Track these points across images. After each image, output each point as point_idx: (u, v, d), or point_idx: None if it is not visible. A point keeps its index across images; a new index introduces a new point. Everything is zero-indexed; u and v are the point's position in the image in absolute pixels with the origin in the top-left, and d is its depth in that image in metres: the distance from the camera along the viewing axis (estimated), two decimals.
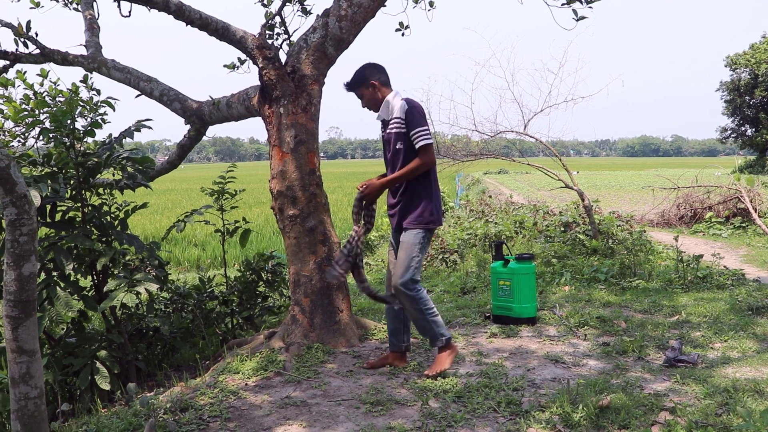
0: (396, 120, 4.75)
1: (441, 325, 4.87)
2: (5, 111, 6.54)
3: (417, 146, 4.69)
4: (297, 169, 5.54)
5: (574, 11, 6.13)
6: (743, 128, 48.70)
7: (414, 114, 4.70)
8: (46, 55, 7.22)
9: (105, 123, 5.51)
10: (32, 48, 7.20)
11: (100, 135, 5.67)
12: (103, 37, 7.64)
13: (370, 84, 4.86)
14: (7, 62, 7.20)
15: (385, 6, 5.77)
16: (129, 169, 5.71)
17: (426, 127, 4.71)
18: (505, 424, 3.93)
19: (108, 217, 5.65)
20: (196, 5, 5.85)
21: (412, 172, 4.73)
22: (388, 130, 4.84)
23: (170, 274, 6.62)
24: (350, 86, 4.94)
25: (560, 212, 12.66)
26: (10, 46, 7.13)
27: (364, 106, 5.01)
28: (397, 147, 4.77)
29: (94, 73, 7.11)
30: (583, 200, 10.38)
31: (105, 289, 5.36)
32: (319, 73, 5.63)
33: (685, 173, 21.25)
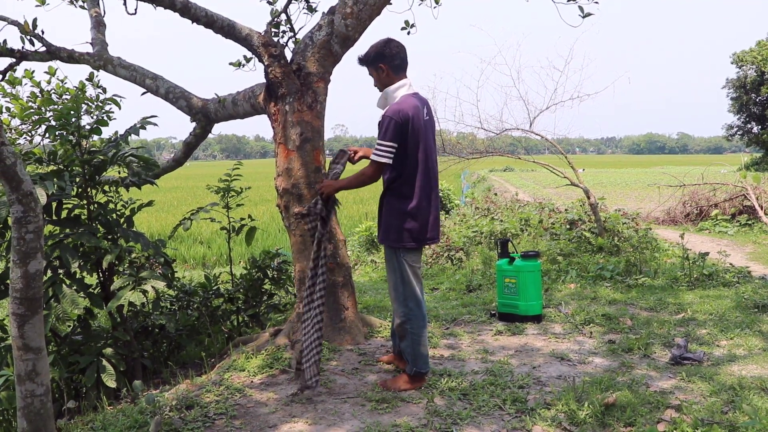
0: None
1: (421, 357, 4.52)
2: (12, 109, 6.56)
3: (370, 157, 4.42)
4: (303, 167, 5.54)
5: (580, 8, 6.11)
6: (749, 125, 48.50)
7: (385, 124, 4.30)
8: (53, 53, 7.22)
9: (111, 120, 5.52)
10: (38, 46, 7.20)
11: (106, 133, 5.68)
12: (109, 36, 7.66)
13: (378, 66, 4.49)
14: (14, 60, 7.20)
15: (390, 3, 5.75)
16: (135, 167, 5.72)
17: (387, 144, 4.27)
18: (510, 421, 3.93)
19: (114, 215, 5.67)
20: (202, 3, 5.86)
21: (356, 181, 4.51)
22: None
23: (176, 271, 6.63)
24: (362, 60, 4.58)
25: (566, 210, 12.64)
26: (16, 44, 7.13)
27: (375, 86, 4.67)
28: None
29: (100, 70, 7.13)
30: (588, 198, 10.37)
31: (111, 287, 5.37)
32: (324, 71, 5.63)
33: (691, 171, 21.16)
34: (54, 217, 5.41)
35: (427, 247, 11.32)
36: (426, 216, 4.44)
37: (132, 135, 5.55)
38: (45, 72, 6.86)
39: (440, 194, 23.37)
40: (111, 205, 5.76)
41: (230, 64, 7.36)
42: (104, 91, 5.93)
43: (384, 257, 4.64)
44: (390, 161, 4.33)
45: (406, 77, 4.55)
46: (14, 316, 3.25)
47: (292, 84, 5.53)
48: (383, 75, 4.51)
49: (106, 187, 5.80)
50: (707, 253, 8.13)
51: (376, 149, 4.34)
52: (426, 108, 4.48)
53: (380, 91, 4.59)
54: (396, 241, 4.43)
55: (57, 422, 4.08)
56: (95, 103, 5.47)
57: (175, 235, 7.05)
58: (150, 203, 6.12)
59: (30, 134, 6.96)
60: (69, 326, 5.66)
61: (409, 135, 4.31)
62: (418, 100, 4.46)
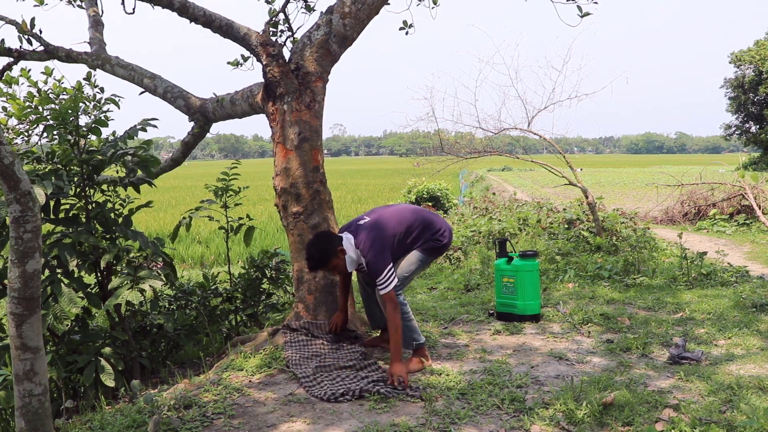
0: (365, 267, 4.88)
1: (414, 330, 4.98)
2: (9, 108, 6.55)
3: (381, 293, 4.74)
4: (301, 167, 5.54)
5: (579, 7, 6.11)
6: (747, 125, 48.52)
7: (371, 264, 4.75)
8: (50, 53, 7.22)
9: (109, 120, 5.51)
10: (36, 45, 7.20)
11: (105, 133, 5.70)
12: (107, 35, 7.65)
13: (338, 251, 4.85)
14: (12, 59, 7.20)
15: (388, 3, 5.75)
16: (131, 165, 5.71)
17: (383, 273, 4.69)
18: (508, 421, 3.93)
19: (112, 214, 5.66)
20: (200, 2, 5.86)
21: (398, 329, 4.71)
22: (363, 270, 5.02)
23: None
24: (319, 264, 4.89)
25: (564, 209, 12.65)
26: (14, 44, 7.13)
27: (332, 271, 5.10)
28: None
29: (98, 70, 7.12)
30: (586, 197, 10.37)
31: (109, 286, 5.37)
32: (323, 70, 5.62)
33: (689, 170, 21.21)
34: (52, 217, 5.41)
35: None
36: (433, 230, 5.18)
37: (134, 136, 5.55)
38: (42, 72, 6.86)
39: (438, 193, 23.41)
40: (109, 205, 5.76)
41: (228, 63, 7.36)
42: (102, 90, 5.93)
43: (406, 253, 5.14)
44: (396, 280, 4.76)
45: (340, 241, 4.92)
46: (12, 315, 3.25)
47: (291, 83, 5.53)
48: (341, 255, 4.87)
49: (105, 187, 5.80)
50: (705, 253, 8.14)
51: (381, 284, 4.70)
52: (357, 224, 5.00)
53: (347, 270, 4.95)
54: (430, 249, 5.17)
55: (55, 422, 4.07)
56: (93, 102, 5.47)
57: (176, 236, 7.07)
58: (148, 204, 6.12)
59: (27, 134, 6.96)
60: (67, 325, 5.66)
61: (388, 244, 4.86)
62: (355, 235, 4.91)
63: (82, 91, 5.59)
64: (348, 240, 4.89)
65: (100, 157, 5.50)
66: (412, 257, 5.07)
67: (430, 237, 5.10)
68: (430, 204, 22.22)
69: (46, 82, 6.77)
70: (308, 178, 5.56)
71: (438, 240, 5.12)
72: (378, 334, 5.60)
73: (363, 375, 4.73)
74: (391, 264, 4.76)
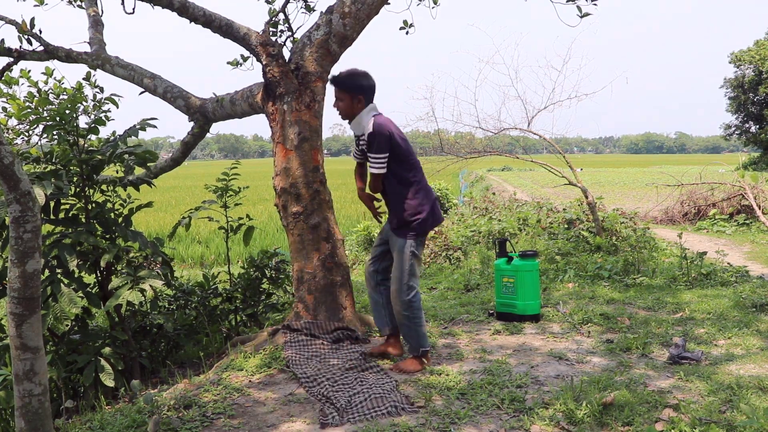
0: (364, 138, 4.84)
1: (423, 337, 4.94)
2: (9, 109, 6.56)
3: (372, 171, 4.80)
4: (301, 166, 5.54)
5: (579, 8, 6.12)
6: (747, 125, 48.53)
7: (374, 140, 4.71)
8: (50, 53, 7.22)
9: (109, 120, 5.51)
10: (36, 45, 7.20)
11: (105, 132, 5.73)
12: (108, 36, 7.66)
13: (357, 97, 4.79)
14: (11, 59, 7.20)
15: (388, 3, 5.75)
16: (130, 164, 5.71)
17: (379, 156, 4.70)
18: (508, 421, 3.93)
19: (112, 214, 5.67)
20: (200, 2, 5.86)
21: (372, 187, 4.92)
22: (361, 146, 4.97)
23: (174, 271, 6.63)
24: (340, 83, 4.83)
25: (564, 209, 12.64)
26: (14, 44, 7.13)
27: (335, 107, 4.97)
28: None
29: (98, 70, 7.12)
30: (586, 197, 10.37)
31: (109, 286, 5.37)
32: (322, 70, 5.63)
33: (689, 170, 21.22)
34: (52, 217, 5.41)
35: (426, 246, 11.34)
36: (426, 205, 4.86)
37: (131, 136, 5.55)
38: (42, 72, 6.86)
39: (437, 193, 23.44)
40: (109, 205, 5.76)
41: (228, 63, 7.36)
42: (102, 90, 5.93)
43: (396, 246, 4.90)
44: (385, 170, 4.77)
45: (371, 99, 4.89)
46: (12, 315, 3.25)
47: (290, 83, 5.53)
48: (357, 104, 4.82)
49: (104, 187, 5.80)
50: (705, 253, 8.14)
51: (372, 163, 4.78)
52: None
53: (342, 114, 4.91)
54: (417, 234, 4.86)
55: (55, 422, 4.07)
56: (92, 102, 5.47)
57: (174, 234, 7.09)
58: (149, 204, 6.12)
59: (27, 134, 6.96)
60: (67, 325, 5.66)
61: (396, 144, 4.76)
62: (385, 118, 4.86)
63: (82, 91, 5.59)
64: (373, 107, 4.85)
65: (99, 157, 5.51)
66: (402, 248, 4.80)
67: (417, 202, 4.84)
68: None
69: (46, 83, 6.77)
70: (308, 178, 5.56)
71: (415, 217, 4.80)
72: (383, 339, 5.51)
73: (372, 382, 4.59)
74: (387, 154, 4.71)
